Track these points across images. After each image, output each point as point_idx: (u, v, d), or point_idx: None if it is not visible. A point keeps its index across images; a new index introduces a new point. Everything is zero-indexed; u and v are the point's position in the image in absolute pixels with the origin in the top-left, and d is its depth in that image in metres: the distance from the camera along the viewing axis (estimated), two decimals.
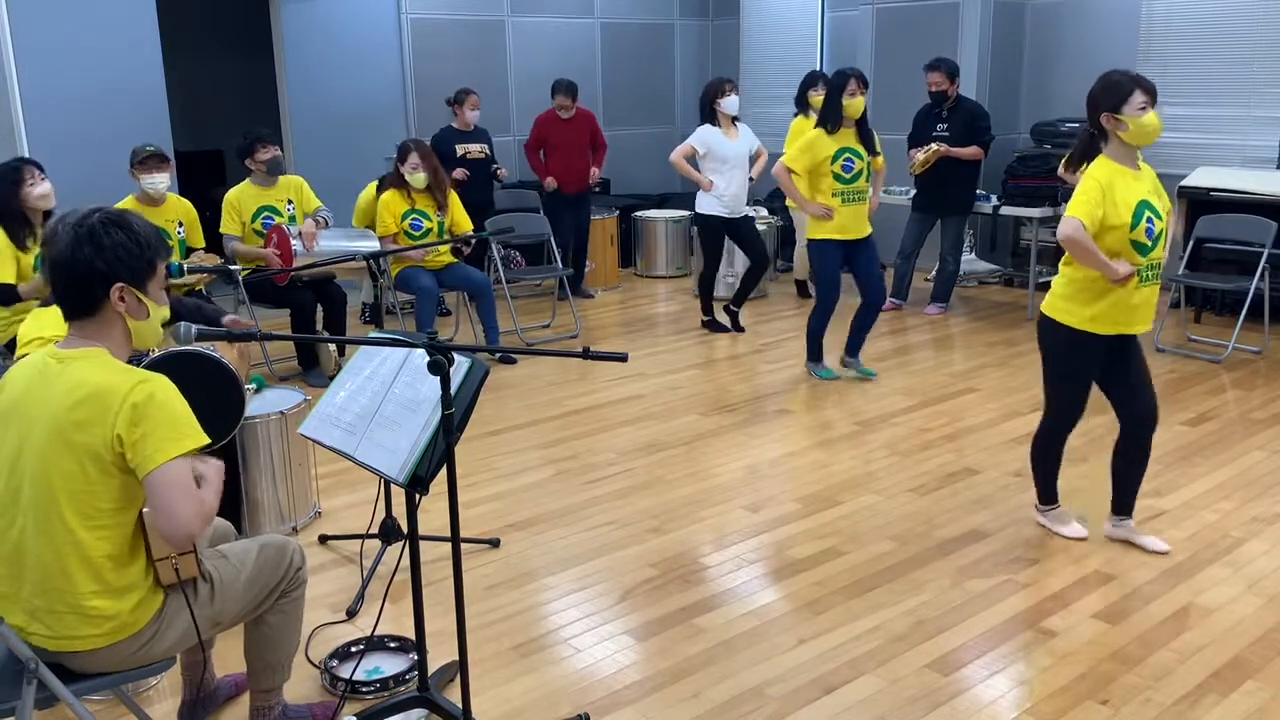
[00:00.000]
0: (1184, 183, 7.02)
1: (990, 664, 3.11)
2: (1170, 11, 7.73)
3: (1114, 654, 3.14)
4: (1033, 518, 4.07)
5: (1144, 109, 3.42)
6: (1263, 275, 6.13)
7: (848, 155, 5.53)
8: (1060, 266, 3.65)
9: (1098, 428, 4.93)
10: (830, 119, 5.52)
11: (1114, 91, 3.45)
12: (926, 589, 3.56)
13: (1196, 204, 6.83)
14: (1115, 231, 3.44)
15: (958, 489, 4.40)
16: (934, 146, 7.07)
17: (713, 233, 6.85)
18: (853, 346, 5.97)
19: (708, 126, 6.70)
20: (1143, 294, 3.54)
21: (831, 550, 3.86)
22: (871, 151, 5.64)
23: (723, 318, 7.09)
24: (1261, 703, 2.89)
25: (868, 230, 5.72)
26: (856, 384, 5.86)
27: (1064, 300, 3.61)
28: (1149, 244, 3.48)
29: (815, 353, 5.99)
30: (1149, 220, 3.45)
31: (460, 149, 7.54)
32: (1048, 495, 3.97)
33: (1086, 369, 3.65)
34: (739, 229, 6.83)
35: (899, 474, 4.59)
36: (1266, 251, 6.08)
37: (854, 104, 5.46)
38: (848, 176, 5.54)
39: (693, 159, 6.73)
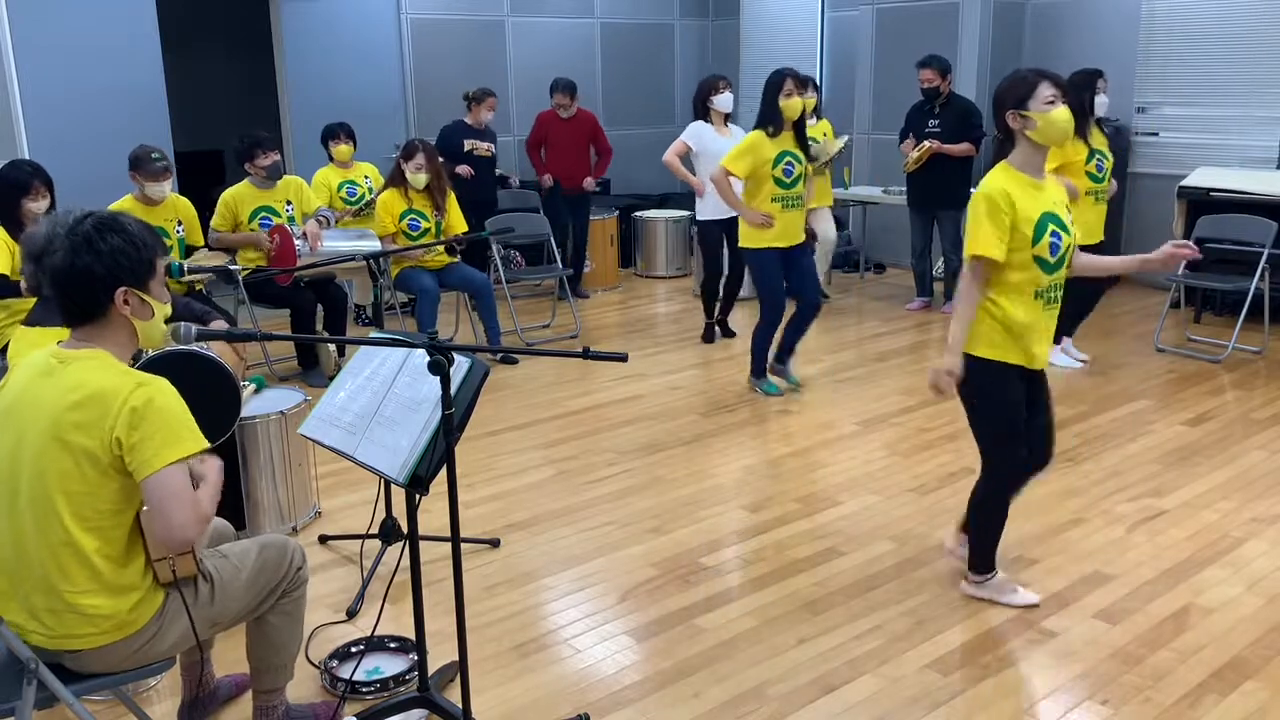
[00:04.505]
0: (1184, 183, 7.03)
1: (990, 664, 3.11)
2: (1170, 11, 7.73)
3: (1114, 654, 3.14)
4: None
5: (1052, 103, 3.08)
6: (1263, 275, 6.13)
7: (789, 159, 5.33)
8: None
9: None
10: (771, 121, 5.29)
11: (1019, 86, 3.13)
12: (926, 589, 3.56)
13: (1196, 204, 6.83)
14: (1014, 249, 3.09)
15: (958, 489, 4.40)
16: (926, 144, 7.08)
17: (713, 238, 6.64)
18: (783, 354, 5.72)
19: (700, 123, 6.54)
20: (1044, 318, 3.19)
21: (831, 550, 3.86)
22: (808, 157, 5.47)
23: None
24: (1261, 703, 2.89)
25: (803, 236, 5.54)
26: (856, 384, 5.86)
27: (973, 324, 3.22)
28: (1052, 261, 3.12)
29: (759, 367, 5.72)
30: (1054, 234, 3.10)
31: (469, 144, 7.55)
32: (985, 563, 3.44)
33: (1013, 400, 3.23)
34: (732, 231, 6.50)
35: (899, 474, 4.58)
36: (1266, 251, 6.08)
37: (791, 105, 5.24)
38: (788, 181, 5.33)
39: (686, 158, 6.55)
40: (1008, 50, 8.38)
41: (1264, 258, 6.09)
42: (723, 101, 6.48)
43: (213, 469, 2.39)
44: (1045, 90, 3.09)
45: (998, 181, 3.13)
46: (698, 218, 6.72)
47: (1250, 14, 7.34)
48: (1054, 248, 3.11)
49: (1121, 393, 5.63)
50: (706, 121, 6.54)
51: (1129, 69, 7.95)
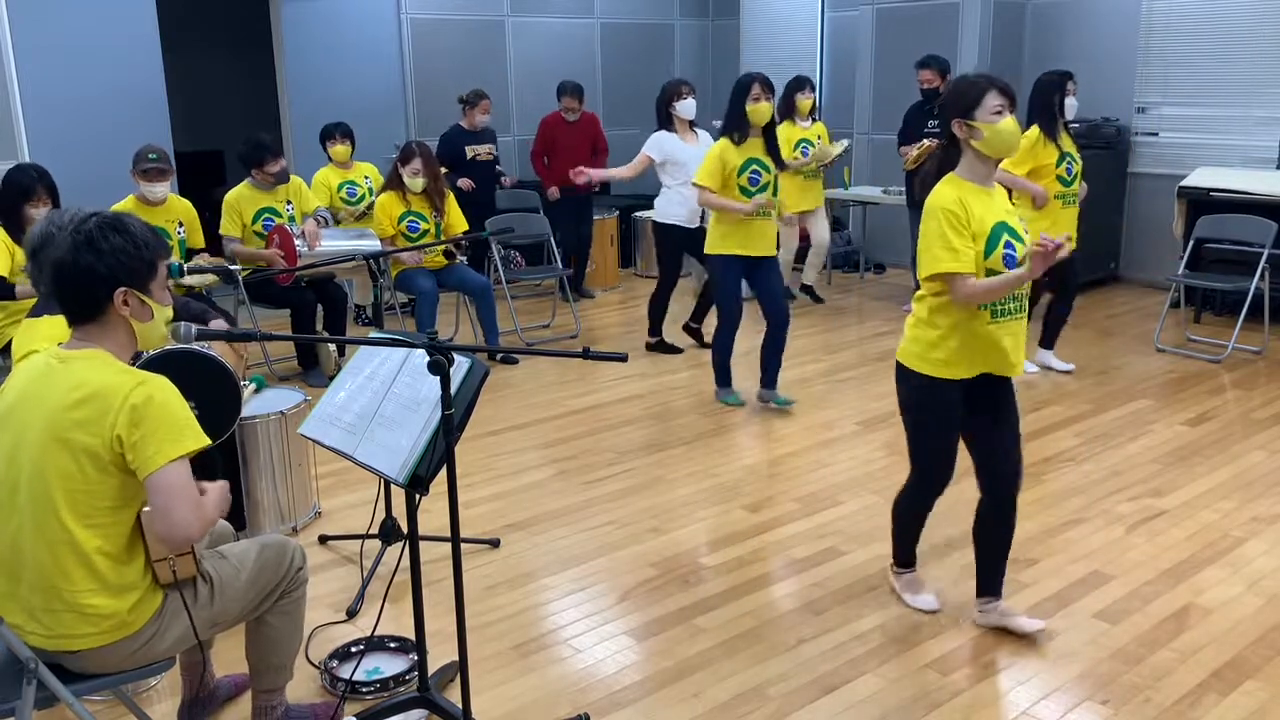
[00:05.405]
0: (1184, 183, 7.03)
1: (990, 664, 3.11)
2: (1170, 11, 7.73)
3: (1114, 654, 3.14)
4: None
5: (1000, 113, 2.93)
6: (1263, 275, 6.13)
7: (755, 167, 5.13)
8: (913, 302, 3.18)
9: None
10: (736, 127, 5.10)
11: (966, 94, 2.96)
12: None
13: (1196, 204, 6.83)
14: None
15: (958, 489, 4.37)
16: (926, 143, 7.09)
17: (672, 244, 6.38)
18: (768, 379, 5.44)
19: (663, 132, 6.24)
20: (1003, 331, 3.01)
21: (831, 550, 3.86)
22: (779, 165, 5.25)
23: (677, 339, 6.68)
24: (1261, 703, 2.89)
25: (773, 250, 5.31)
26: (856, 384, 5.86)
27: (913, 343, 3.12)
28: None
29: (723, 377, 5.54)
30: (1008, 245, 2.94)
31: (470, 150, 7.55)
32: (904, 557, 3.49)
33: (946, 421, 3.13)
34: (697, 240, 5.94)
35: (899, 474, 4.54)
36: (1266, 251, 6.08)
37: (758, 110, 5.04)
38: (753, 190, 5.14)
39: (650, 168, 6.30)
40: (1008, 50, 8.38)
41: (1264, 258, 6.09)
42: (685, 108, 6.22)
43: (215, 492, 2.39)
44: (992, 100, 2.93)
45: (950, 191, 2.97)
46: (657, 220, 6.37)
47: (1250, 14, 7.34)
48: (1009, 259, 2.93)
49: (1121, 393, 5.63)
50: (670, 129, 6.27)
51: (1129, 69, 7.95)
